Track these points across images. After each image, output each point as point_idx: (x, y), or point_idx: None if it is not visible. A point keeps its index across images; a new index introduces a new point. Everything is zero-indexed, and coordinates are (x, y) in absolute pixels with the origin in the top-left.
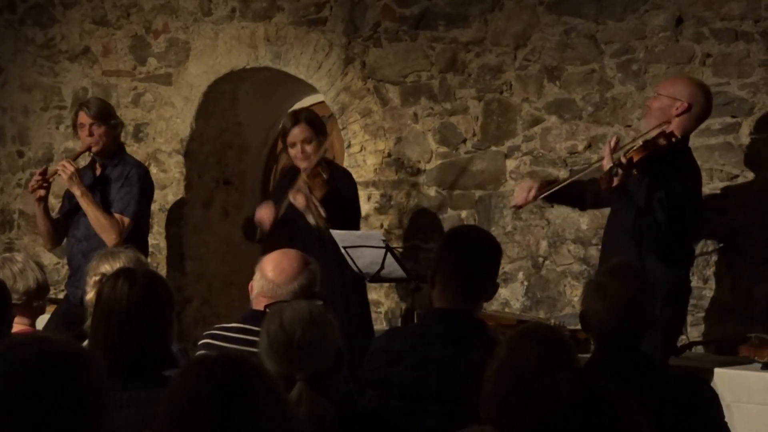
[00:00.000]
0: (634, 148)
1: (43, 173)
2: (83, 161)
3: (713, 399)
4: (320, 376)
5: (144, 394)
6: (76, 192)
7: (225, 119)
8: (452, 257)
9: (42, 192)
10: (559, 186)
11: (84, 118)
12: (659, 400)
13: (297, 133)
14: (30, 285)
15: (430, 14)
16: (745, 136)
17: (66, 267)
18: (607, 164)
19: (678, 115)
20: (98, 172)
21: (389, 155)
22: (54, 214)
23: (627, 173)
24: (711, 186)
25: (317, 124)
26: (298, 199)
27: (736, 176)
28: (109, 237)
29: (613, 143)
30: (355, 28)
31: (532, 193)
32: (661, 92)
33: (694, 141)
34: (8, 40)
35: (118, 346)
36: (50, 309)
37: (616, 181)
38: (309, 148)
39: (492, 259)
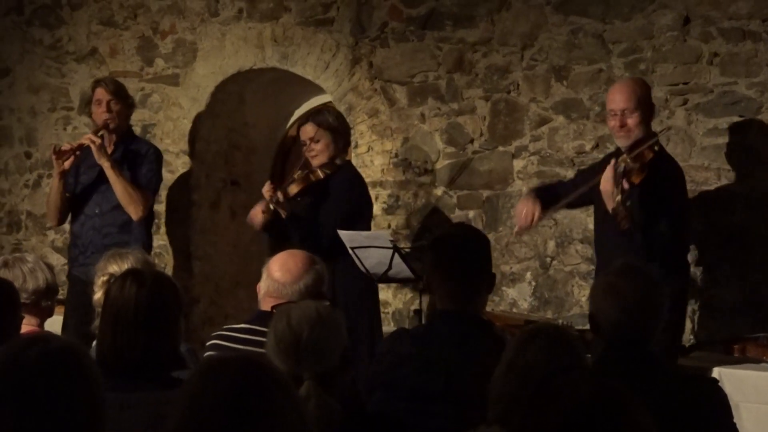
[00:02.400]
0: (635, 171)
1: (72, 148)
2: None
3: (721, 399)
4: (327, 376)
5: (152, 395)
6: (105, 164)
7: (232, 120)
8: (443, 261)
9: (68, 164)
10: (560, 205)
11: (102, 93)
12: (668, 400)
13: (305, 130)
14: (39, 285)
15: (437, 14)
16: (752, 136)
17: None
18: (612, 197)
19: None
20: (110, 150)
21: (396, 155)
22: None
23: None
24: (718, 185)
25: (328, 123)
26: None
27: (745, 176)
28: (136, 209)
29: (612, 172)
30: (362, 29)
31: (537, 216)
32: (626, 106)
33: (702, 141)
34: (15, 42)
35: (126, 347)
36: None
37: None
38: (317, 146)
39: (481, 252)
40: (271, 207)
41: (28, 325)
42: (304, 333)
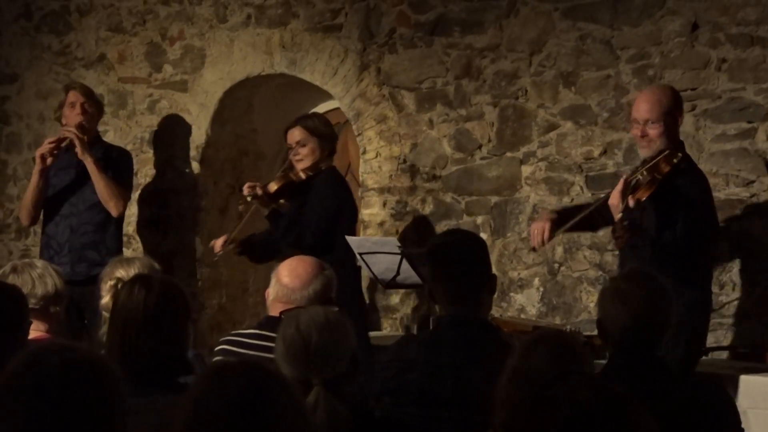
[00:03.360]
0: (642, 186)
1: (57, 141)
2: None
3: (729, 405)
4: (336, 381)
5: (159, 400)
6: (89, 159)
7: (240, 126)
8: (442, 267)
9: (51, 160)
10: (573, 222)
11: (76, 96)
12: (675, 405)
13: (293, 134)
14: (48, 290)
15: (446, 20)
16: (761, 142)
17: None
18: (616, 210)
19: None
20: (79, 153)
21: (405, 161)
22: None
23: (638, 216)
24: (727, 191)
25: (315, 128)
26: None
27: (752, 182)
28: (117, 205)
29: (622, 186)
30: (371, 35)
31: (547, 234)
32: (649, 117)
33: (710, 147)
34: (24, 48)
35: (134, 353)
36: None
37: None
38: (303, 150)
39: (479, 254)
40: (249, 199)
41: (36, 330)
42: (312, 338)
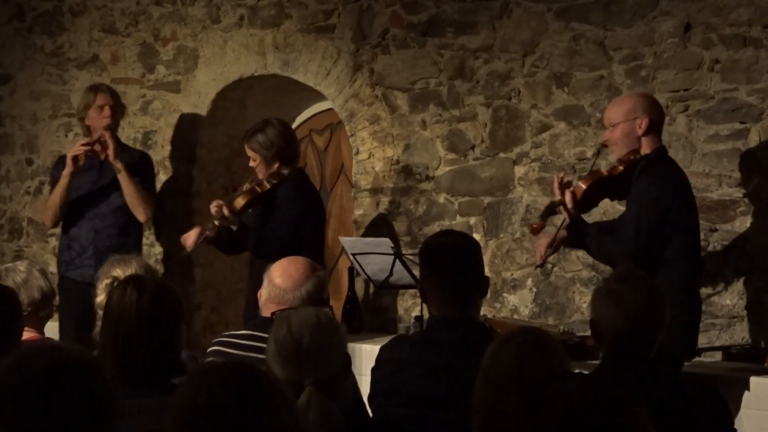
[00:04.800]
0: (580, 179)
1: (90, 144)
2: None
3: (722, 406)
4: (328, 382)
5: (153, 401)
6: (118, 165)
7: (234, 127)
8: (436, 268)
9: (82, 159)
10: (557, 238)
11: (106, 99)
12: (668, 406)
13: (246, 149)
14: (34, 296)
15: (439, 21)
16: (753, 142)
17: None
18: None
19: (645, 134)
20: (102, 156)
21: (398, 162)
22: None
23: (571, 209)
24: (719, 192)
25: (257, 145)
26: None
27: (746, 182)
28: (146, 210)
29: (558, 181)
30: (363, 36)
31: (541, 253)
32: (614, 121)
33: (704, 147)
34: (17, 49)
35: (127, 354)
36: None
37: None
38: (255, 164)
39: (473, 256)
40: (216, 223)
41: (28, 333)
42: (304, 339)
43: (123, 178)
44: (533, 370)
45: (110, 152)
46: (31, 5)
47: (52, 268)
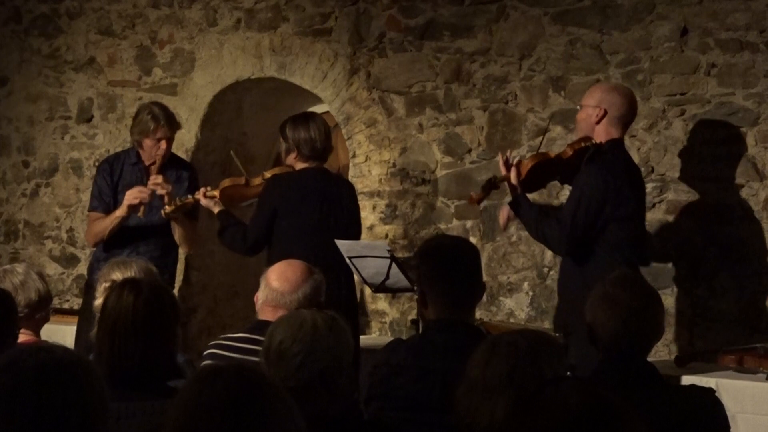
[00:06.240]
0: (524, 160)
1: (150, 194)
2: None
3: (718, 409)
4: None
5: (149, 404)
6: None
7: (230, 129)
8: (436, 271)
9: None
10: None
11: (165, 133)
12: (664, 410)
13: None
14: (31, 297)
15: (435, 25)
16: (750, 146)
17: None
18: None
19: (598, 123)
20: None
21: (394, 165)
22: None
23: (515, 185)
24: (716, 196)
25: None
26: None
27: (741, 186)
28: (191, 248)
29: (503, 158)
30: (360, 39)
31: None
32: (582, 103)
33: (700, 151)
34: (14, 51)
35: (123, 357)
36: (65, 319)
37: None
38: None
39: (472, 261)
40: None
41: (24, 335)
42: (300, 342)
43: (180, 221)
44: (525, 379)
45: (164, 211)
46: (28, 7)
47: (49, 270)
